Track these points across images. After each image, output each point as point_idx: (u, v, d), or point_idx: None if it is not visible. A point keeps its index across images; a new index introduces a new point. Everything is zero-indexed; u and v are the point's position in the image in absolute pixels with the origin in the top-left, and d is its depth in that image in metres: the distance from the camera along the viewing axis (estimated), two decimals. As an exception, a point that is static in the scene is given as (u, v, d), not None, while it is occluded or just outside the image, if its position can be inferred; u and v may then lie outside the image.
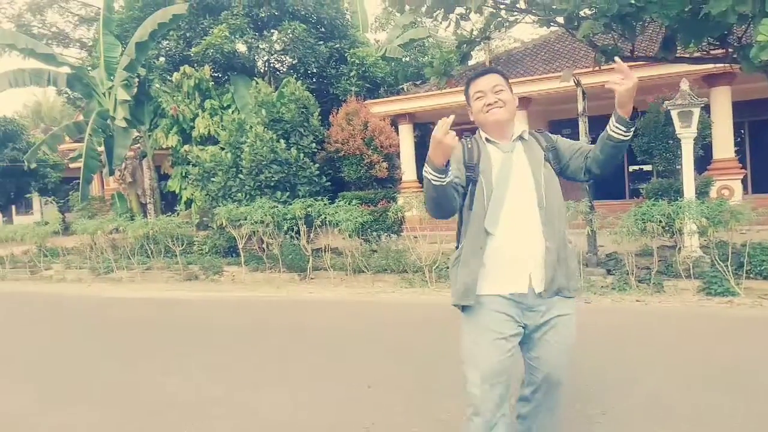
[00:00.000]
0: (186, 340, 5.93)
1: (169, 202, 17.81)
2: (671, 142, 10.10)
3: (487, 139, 2.61)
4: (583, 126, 8.81)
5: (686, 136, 8.11)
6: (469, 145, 2.61)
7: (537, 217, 2.48)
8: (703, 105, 8.24)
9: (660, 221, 6.86)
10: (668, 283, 7.00)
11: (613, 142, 2.40)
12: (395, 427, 3.47)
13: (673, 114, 8.17)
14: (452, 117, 2.29)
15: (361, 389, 4.14)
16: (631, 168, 16.36)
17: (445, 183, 2.33)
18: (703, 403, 3.54)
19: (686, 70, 10.96)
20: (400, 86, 20.23)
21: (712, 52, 8.69)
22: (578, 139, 9.03)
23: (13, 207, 25.57)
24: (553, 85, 13.63)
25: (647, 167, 14.12)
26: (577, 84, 9.03)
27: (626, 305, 6.45)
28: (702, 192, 9.89)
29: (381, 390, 4.10)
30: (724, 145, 13.03)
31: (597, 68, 10.06)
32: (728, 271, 6.63)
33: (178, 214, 13.60)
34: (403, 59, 21.13)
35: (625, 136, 2.37)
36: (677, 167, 9.90)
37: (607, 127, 2.42)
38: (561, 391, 2.65)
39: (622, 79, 2.27)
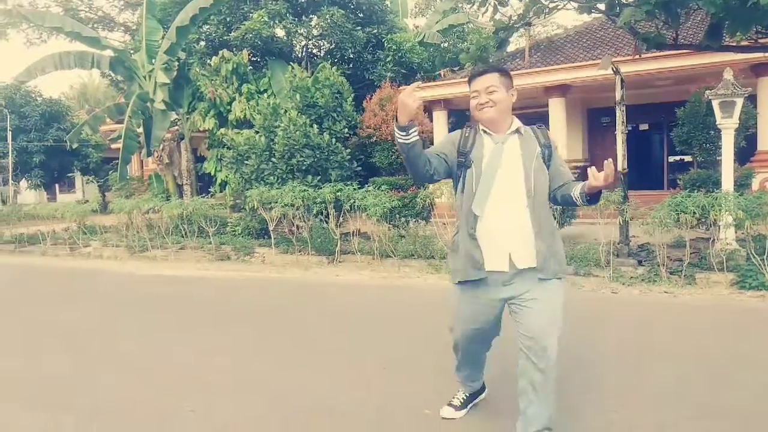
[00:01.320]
0: (209, 317, 6.07)
1: (206, 183, 18.14)
2: (712, 132, 9.79)
3: (483, 131, 2.85)
4: (620, 115, 8.57)
5: (727, 126, 7.84)
6: (466, 134, 2.88)
7: (524, 204, 2.71)
8: (746, 95, 7.94)
9: (694, 213, 6.67)
10: (701, 275, 6.80)
11: (571, 201, 2.74)
12: (407, 408, 3.48)
13: (715, 104, 7.89)
14: (420, 82, 2.92)
15: (377, 370, 4.16)
16: (671, 158, 15.93)
17: (408, 142, 2.65)
18: (724, 399, 3.44)
19: (733, 59, 10.56)
20: (437, 72, 20.06)
21: (760, 41, 8.35)
22: (615, 129, 8.89)
23: (57, 185, 26.44)
24: (593, 72, 13.32)
25: (687, 158, 13.71)
26: (616, 72, 8.79)
27: (654, 297, 6.29)
28: (742, 184, 9.58)
29: (396, 372, 4.12)
30: (769, 137, 12.55)
31: (637, 56, 9.79)
32: (764, 265, 6.40)
33: (212, 196, 13.82)
34: (442, 45, 20.93)
35: (580, 204, 2.72)
36: (717, 158, 9.59)
37: (574, 189, 2.73)
38: (550, 360, 2.69)
39: (602, 179, 2.54)
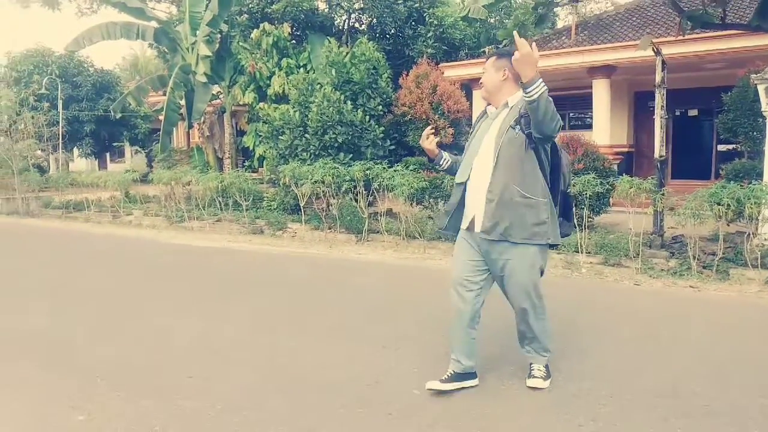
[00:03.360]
0: (227, 288, 6.26)
1: (247, 157, 18.39)
2: (760, 120, 9.31)
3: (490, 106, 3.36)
4: (659, 98, 8.23)
5: (773, 114, 7.46)
6: (483, 110, 3.41)
7: (490, 172, 3.09)
8: (796, 80, 7.52)
9: (729, 205, 6.39)
10: (735, 271, 6.53)
11: (532, 112, 2.87)
12: (397, 386, 3.53)
13: (760, 89, 7.52)
14: (431, 128, 3.50)
15: (376, 348, 4.21)
16: (721, 147, 15.23)
17: (444, 168, 3.57)
18: (720, 398, 3.30)
19: (787, 41, 10.00)
20: (482, 49, 19.62)
21: (815, 21, 7.88)
22: (654, 113, 8.54)
23: (108, 154, 27.31)
24: (639, 53, 12.81)
25: (739, 147, 13.09)
26: (657, 53, 8.43)
27: (677, 290, 6.09)
28: (790, 177, 9.09)
29: (395, 350, 4.16)
30: (826, 126, 11.85)
31: (681, 36, 9.37)
32: (801, 264, 6.11)
33: (247, 170, 14.02)
34: (488, 21, 20.41)
35: (529, 96, 2.79)
36: (764, 148, 9.14)
37: None
38: (529, 316, 3.32)
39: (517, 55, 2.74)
